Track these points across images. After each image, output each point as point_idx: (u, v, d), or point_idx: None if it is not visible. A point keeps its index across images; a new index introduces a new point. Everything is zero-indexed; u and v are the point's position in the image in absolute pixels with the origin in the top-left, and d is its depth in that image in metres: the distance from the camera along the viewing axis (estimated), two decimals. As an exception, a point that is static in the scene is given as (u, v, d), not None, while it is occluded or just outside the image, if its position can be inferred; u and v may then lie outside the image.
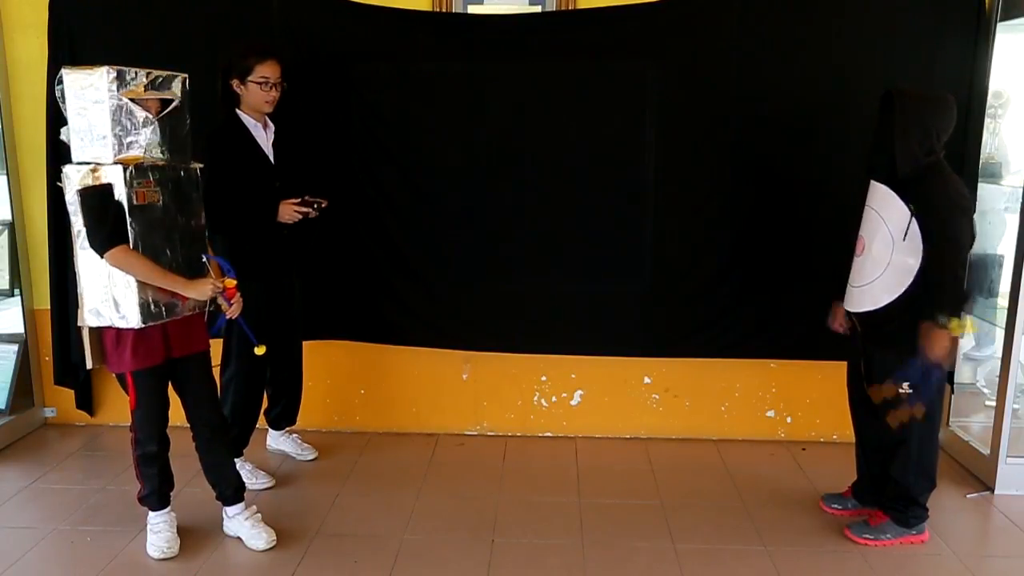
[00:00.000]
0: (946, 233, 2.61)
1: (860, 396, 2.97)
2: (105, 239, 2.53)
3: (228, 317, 2.77)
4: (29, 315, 3.88)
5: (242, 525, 2.90)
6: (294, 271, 3.32)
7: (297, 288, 3.36)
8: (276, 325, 3.16)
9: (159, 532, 2.83)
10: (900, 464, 2.83)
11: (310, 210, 3.11)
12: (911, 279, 2.68)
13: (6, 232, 3.85)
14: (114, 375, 2.75)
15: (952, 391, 3.63)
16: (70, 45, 3.48)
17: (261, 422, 3.41)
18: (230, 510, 2.93)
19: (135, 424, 2.74)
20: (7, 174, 3.75)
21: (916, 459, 2.82)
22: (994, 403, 3.31)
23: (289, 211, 3.08)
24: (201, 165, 2.77)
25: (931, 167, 2.66)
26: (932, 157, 2.66)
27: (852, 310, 2.86)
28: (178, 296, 2.65)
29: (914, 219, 2.64)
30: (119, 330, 2.62)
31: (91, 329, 2.67)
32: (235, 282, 2.74)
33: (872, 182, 2.79)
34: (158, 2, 3.49)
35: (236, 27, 3.44)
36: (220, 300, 2.72)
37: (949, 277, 2.62)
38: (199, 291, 2.65)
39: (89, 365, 2.74)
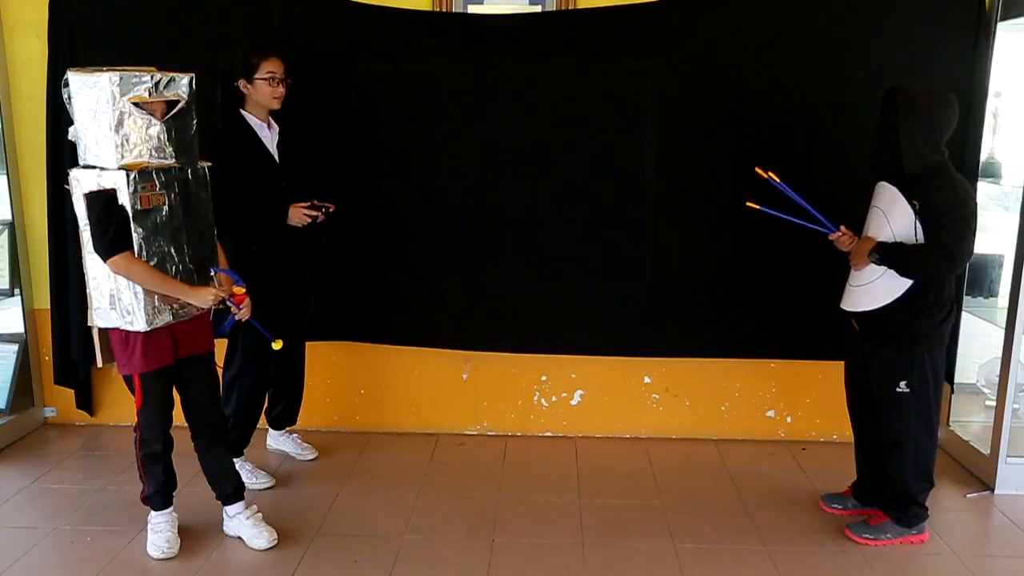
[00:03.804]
0: (941, 239, 2.61)
1: (858, 396, 2.97)
2: (108, 245, 2.53)
3: (238, 319, 2.78)
4: (29, 315, 3.88)
5: (243, 524, 2.90)
6: (304, 271, 3.33)
7: (307, 288, 3.37)
8: (283, 324, 3.16)
9: (160, 532, 2.83)
10: (897, 464, 2.84)
11: (319, 214, 3.13)
12: (909, 283, 2.69)
13: (6, 232, 3.85)
14: (118, 374, 2.75)
15: (952, 391, 3.63)
16: (70, 45, 3.48)
17: (261, 422, 3.41)
18: (230, 510, 2.93)
19: (140, 424, 2.75)
20: (7, 174, 3.75)
21: (913, 459, 2.82)
22: (994, 403, 3.31)
23: (299, 214, 3.09)
24: (209, 164, 2.77)
25: (937, 166, 2.66)
26: (937, 156, 2.65)
27: (851, 310, 2.86)
28: None
29: (918, 219, 2.64)
30: (127, 332, 2.63)
31: (100, 329, 2.68)
32: (244, 289, 2.75)
33: (881, 183, 2.79)
34: (158, 2, 3.49)
35: (236, 27, 3.44)
36: (230, 305, 2.72)
37: (922, 271, 2.67)
38: (201, 299, 2.65)
39: (99, 364, 2.75)
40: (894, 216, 2.70)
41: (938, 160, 2.66)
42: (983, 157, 3.43)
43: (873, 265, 2.72)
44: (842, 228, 2.81)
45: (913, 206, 2.65)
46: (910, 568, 2.77)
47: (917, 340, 2.74)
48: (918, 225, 2.64)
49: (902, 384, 2.76)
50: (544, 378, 3.84)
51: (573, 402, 3.85)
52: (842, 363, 3.08)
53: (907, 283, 2.69)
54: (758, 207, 2.86)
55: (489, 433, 3.90)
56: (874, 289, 2.75)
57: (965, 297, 3.52)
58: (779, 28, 3.35)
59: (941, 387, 2.86)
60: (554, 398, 3.86)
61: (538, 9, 3.55)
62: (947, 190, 2.63)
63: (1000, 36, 3.31)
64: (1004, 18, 3.28)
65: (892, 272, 2.69)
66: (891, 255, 2.67)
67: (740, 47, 3.37)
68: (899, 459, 2.82)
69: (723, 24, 3.38)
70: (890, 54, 3.31)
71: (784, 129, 3.40)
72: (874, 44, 3.32)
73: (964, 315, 3.51)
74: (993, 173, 3.50)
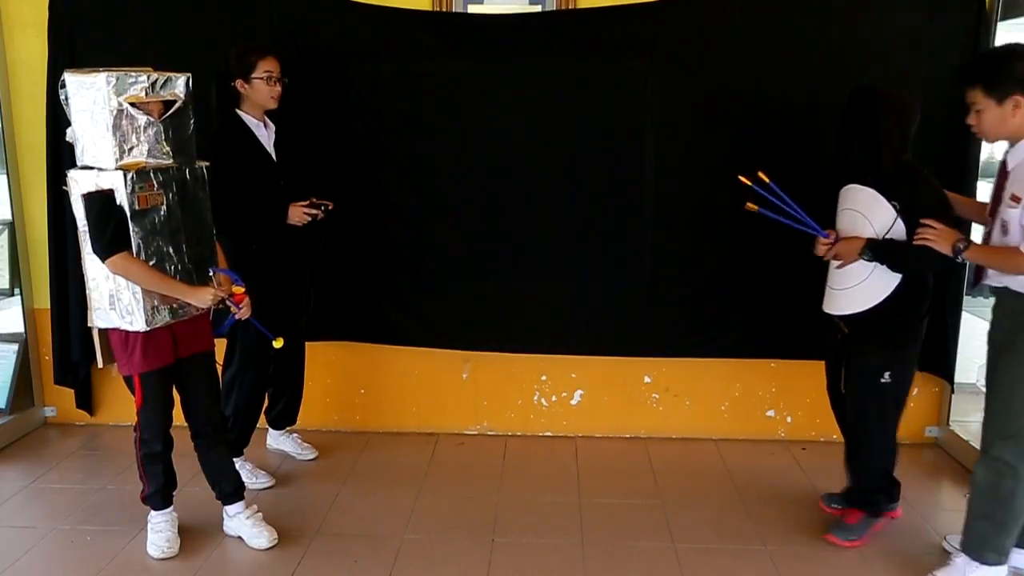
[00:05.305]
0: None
1: (842, 397, 2.95)
2: (106, 245, 2.53)
3: (238, 319, 2.78)
4: (29, 315, 3.88)
5: (243, 524, 2.90)
6: (304, 270, 3.33)
7: (307, 287, 3.37)
8: (283, 323, 3.16)
9: (160, 531, 2.84)
10: (868, 456, 2.85)
11: (318, 212, 3.13)
12: (897, 280, 2.69)
13: (6, 232, 3.85)
14: (118, 374, 2.75)
15: (952, 391, 3.63)
16: (70, 45, 3.49)
17: (261, 422, 3.41)
18: (230, 509, 2.93)
19: (140, 423, 2.75)
20: (7, 174, 3.75)
21: (882, 449, 2.83)
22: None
23: (298, 213, 3.10)
24: (207, 164, 2.77)
25: (909, 165, 2.68)
26: (906, 155, 2.68)
27: (835, 313, 2.84)
28: None
29: (899, 218, 2.64)
30: (127, 332, 2.63)
31: (100, 330, 2.68)
32: (243, 289, 2.75)
33: (851, 185, 2.77)
34: (158, 2, 3.50)
35: (236, 26, 3.44)
36: (229, 304, 2.73)
37: (926, 266, 2.67)
38: (200, 298, 2.66)
39: (100, 365, 2.75)
40: (874, 216, 2.69)
41: (908, 159, 2.69)
42: (983, 157, 3.42)
43: (858, 267, 2.71)
44: (830, 233, 2.78)
45: (894, 206, 2.65)
46: (911, 567, 2.77)
47: (902, 334, 2.76)
48: (899, 223, 2.65)
49: (886, 375, 2.75)
50: (544, 378, 3.84)
51: (573, 402, 3.85)
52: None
53: (895, 282, 2.69)
54: (757, 209, 2.84)
55: (489, 433, 3.90)
56: (857, 292, 2.73)
57: (965, 297, 3.52)
58: (779, 28, 3.35)
59: (912, 382, 2.87)
60: (554, 398, 3.86)
61: (538, 9, 3.55)
62: (933, 189, 2.66)
63: (1000, 36, 3.30)
64: (1004, 18, 3.28)
65: (881, 271, 2.69)
66: (886, 251, 2.66)
67: (740, 47, 3.37)
68: (870, 450, 2.84)
69: (723, 24, 3.38)
70: (890, 54, 3.30)
71: (783, 129, 3.39)
72: (874, 44, 3.31)
73: (964, 315, 3.51)
74: (993, 173, 3.49)
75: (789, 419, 3.80)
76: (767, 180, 2.79)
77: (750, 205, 2.84)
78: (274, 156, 3.14)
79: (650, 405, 3.83)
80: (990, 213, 2.60)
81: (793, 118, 3.40)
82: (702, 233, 3.51)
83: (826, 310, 2.88)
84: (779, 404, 3.79)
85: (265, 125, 3.14)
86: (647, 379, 3.81)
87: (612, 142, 3.48)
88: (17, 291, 3.89)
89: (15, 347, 3.85)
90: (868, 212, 2.71)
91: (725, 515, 3.12)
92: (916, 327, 2.77)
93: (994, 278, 2.56)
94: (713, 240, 3.50)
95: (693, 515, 3.12)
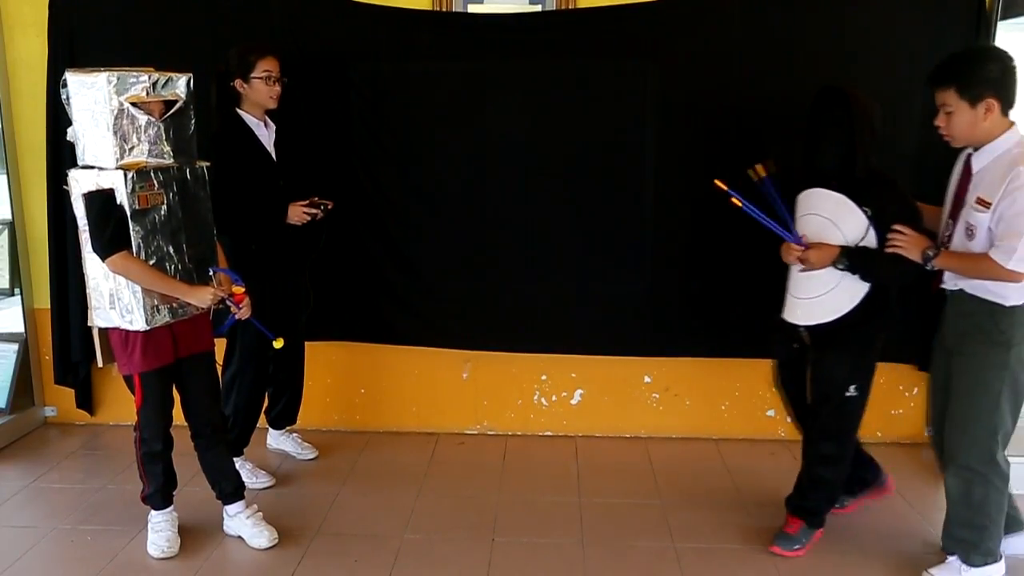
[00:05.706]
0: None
1: (805, 405, 2.90)
2: (106, 244, 2.54)
3: (238, 319, 2.78)
4: (29, 315, 3.88)
5: (243, 524, 2.90)
6: (304, 269, 3.33)
7: (306, 286, 3.37)
8: (282, 322, 3.16)
9: (160, 531, 2.84)
10: (833, 470, 2.81)
11: (318, 211, 3.13)
12: (865, 288, 2.64)
13: (6, 232, 3.85)
14: (118, 373, 2.75)
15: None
16: (70, 45, 3.49)
17: (261, 421, 3.41)
18: (231, 509, 2.93)
19: (140, 423, 2.75)
20: (7, 174, 3.75)
21: (823, 468, 2.80)
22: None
23: (298, 212, 3.10)
24: (208, 163, 2.77)
25: (878, 171, 2.64)
26: (874, 160, 2.63)
27: (800, 323, 2.76)
28: None
29: (871, 226, 2.59)
30: (127, 332, 2.63)
31: (100, 329, 2.68)
32: (243, 289, 2.75)
33: (815, 190, 2.71)
34: (158, 2, 3.50)
35: (236, 26, 3.44)
36: (229, 304, 2.73)
37: (899, 276, 2.62)
38: (199, 298, 2.66)
39: (100, 364, 2.75)
40: (844, 223, 2.62)
41: (875, 165, 2.63)
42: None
43: (827, 275, 2.65)
44: (805, 240, 2.70)
45: (865, 212, 2.60)
46: (911, 567, 2.76)
47: (866, 344, 2.72)
48: (871, 231, 2.60)
49: (851, 388, 2.70)
50: (544, 378, 3.84)
51: (573, 401, 3.85)
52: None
53: (863, 291, 2.64)
54: (741, 204, 2.72)
55: (489, 433, 3.90)
56: (825, 301, 2.68)
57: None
58: (779, 28, 3.35)
59: (865, 401, 2.79)
60: (554, 397, 3.86)
61: (538, 9, 3.55)
62: (903, 196, 2.63)
63: (1000, 35, 3.30)
64: (1004, 17, 3.28)
65: (849, 280, 2.63)
66: (861, 260, 2.61)
67: (740, 47, 3.37)
68: (835, 464, 2.80)
69: (723, 24, 3.38)
70: (890, 54, 3.30)
71: (783, 129, 3.37)
72: (874, 44, 3.31)
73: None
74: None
75: (789, 419, 3.79)
76: (764, 174, 2.73)
77: (735, 200, 2.75)
78: (274, 156, 3.15)
79: (650, 405, 3.83)
80: (950, 216, 2.55)
81: (793, 118, 3.37)
82: (702, 233, 3.51)
83: (788, 319, 2.80)
84: (779, 403, 3.78)
85: (265, 125, 3.14)
86: (647, 379, 3.81)
87: (612, 142, 3.48)
88: (17, 291, 3.89)
89: (15, 347, 3.85)
90: (837, 218, 2.64)
91: (725, 514, 3.12)
92: (878, 338, 2.74)
93: (949, 281, 2.53)
94: (713, 240, 3.50)
95: (693, 515, 3.12)
